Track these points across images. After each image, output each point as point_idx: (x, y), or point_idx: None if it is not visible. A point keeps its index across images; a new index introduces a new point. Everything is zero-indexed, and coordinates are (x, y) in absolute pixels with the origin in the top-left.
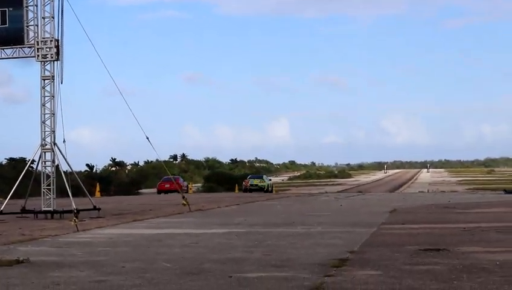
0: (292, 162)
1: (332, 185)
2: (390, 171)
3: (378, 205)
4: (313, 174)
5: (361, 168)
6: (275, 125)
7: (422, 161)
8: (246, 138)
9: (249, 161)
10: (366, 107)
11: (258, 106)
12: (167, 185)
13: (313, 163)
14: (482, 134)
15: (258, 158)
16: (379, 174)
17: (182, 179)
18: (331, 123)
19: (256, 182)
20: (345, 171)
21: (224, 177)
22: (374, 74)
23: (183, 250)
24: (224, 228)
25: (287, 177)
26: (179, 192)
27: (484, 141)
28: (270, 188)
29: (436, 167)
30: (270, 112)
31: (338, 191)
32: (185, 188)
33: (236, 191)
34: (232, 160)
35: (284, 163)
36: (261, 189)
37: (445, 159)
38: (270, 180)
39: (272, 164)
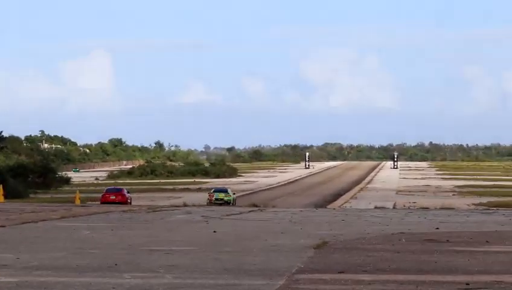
0: (117, 142)
1: (199, 190)
2: (317, 165)
3: (291, 233)
4: (158, 166)
5: (257, 156)
6: (81, 65)
7: (384, 145)
8: (22, 89)
9: (30, 139)
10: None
11: (44, 19)
12: (113, 197)
13: (159, 144)
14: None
15: (46, 133)
16: (295, 170)
17: (126, 191)
18: (191, 59)
19: (221, 196)
20: (224, 163)
21: None
22: None
23: None
24: None
25: (105, 173)
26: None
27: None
28: (234, 202)
29: (411, 158)
30: (76, 37)
31: (208, 204)
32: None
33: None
34: None
35: (100, 143)
36: (227, 203)
37: (430, 143)
38: (234, 193)
39: (75, 144)
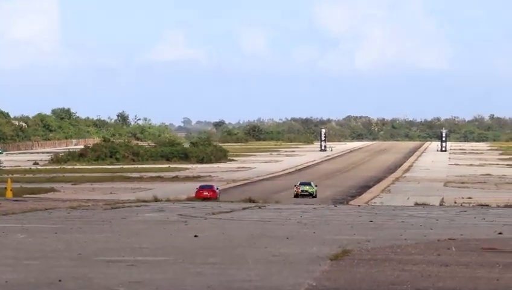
0: (64, 113)
1: (175, 180)
2: (337, 146)
3: (299, 239)
4: (120, 147)
5: (255, 134)
6: (15, 6)
7: (428, 119)
8: None
9: None
10: None
11: None
12: (206, 193)
13: (122, 117)
14: None
15: None
16: (307, 153)
17: (216, 186)
18: (168, 2)
19: (306, 188)
20: (210, 143)
21: None
22: None
23: None
24: None
25: (48, 156)
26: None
27: None
28: (316, 195)
29: (466, 137)
30: None
31: (188, 198)
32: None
33: None
34: None
35: (41, 115)
36: (310, 195)
37: (492, 116)
38: (316, 185)
39: (6, 115)
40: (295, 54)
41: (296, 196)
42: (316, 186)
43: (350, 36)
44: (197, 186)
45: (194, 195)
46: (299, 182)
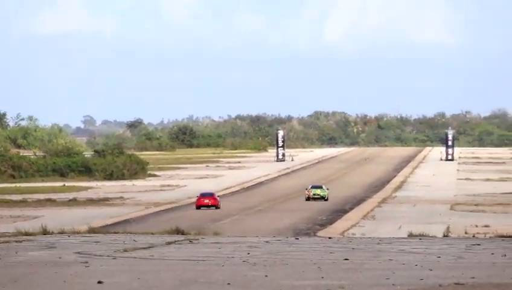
0: None
1: (72, 204)
2: (301, 155)
3: (245, 286)
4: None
5: (186, 138)
6: None
7: (428, 115)
8: None
9: None
10: None
11: None
12: (207, 201)
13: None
14: None
15: None
16: (258, 165)
17: (217, 194)
18: None
19: (318, 191)
20: (123, 151)
21: None
22: None
23: None
24: None
25: None
26: (217, 208)
27: None
28: (328, 198)
29: (481, 141)
30: None
31: (91, 230)
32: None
33: None
34: None
35: None
36: (322, 198)
37: None
38: (328, 189)
39: None
40: (237, 23)
41: (308, 199)
42: (327, 189)
43: None
44: (198, 195)
45: (195, 204)
46: (310, 185)
